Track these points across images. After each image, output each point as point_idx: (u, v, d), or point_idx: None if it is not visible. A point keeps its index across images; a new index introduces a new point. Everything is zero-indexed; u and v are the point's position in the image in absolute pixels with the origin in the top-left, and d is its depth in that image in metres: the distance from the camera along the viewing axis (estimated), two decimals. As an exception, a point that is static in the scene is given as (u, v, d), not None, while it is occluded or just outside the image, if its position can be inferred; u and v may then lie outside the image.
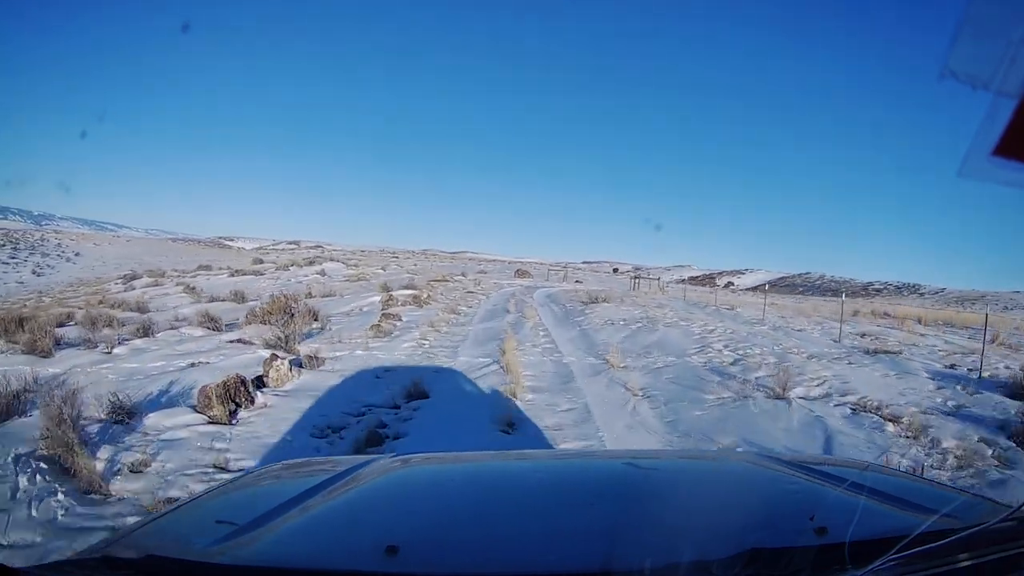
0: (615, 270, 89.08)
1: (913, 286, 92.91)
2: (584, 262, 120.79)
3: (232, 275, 21.37)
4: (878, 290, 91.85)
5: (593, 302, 16.07)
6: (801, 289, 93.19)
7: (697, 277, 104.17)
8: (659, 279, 41.91)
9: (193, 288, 17.06)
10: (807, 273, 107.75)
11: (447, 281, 21.15)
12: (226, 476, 3.47)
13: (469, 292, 18.31)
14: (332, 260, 28.99)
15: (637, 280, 37.02)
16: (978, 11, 0.59)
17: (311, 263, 26.23)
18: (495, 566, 0.91)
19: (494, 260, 69.03)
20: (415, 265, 33.39)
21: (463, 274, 26.61)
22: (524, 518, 1.12)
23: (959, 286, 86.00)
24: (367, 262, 31.82)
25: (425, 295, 14.40)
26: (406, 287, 16.08)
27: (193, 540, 0.99)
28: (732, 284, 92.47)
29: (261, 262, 28.82)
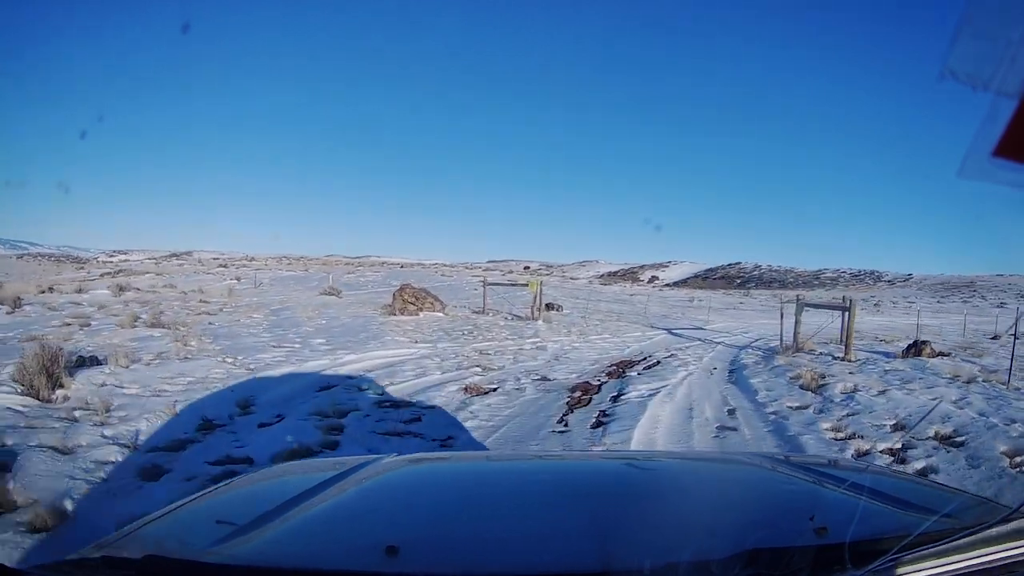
0: (526, 268, 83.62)
1: (873, 273, 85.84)
2: (490, 261, 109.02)
3: None
4: (832, 279, 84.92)
5: None
6: (739, 281, 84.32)
7: (615, 273, 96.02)
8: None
9: None
10: (738, 263, 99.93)
11: None
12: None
13: None
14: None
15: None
16: (978, 11, 0.59)
17: None
18: (495, 566, 0.91)
19: (387, 264, 54.22)
20: (219, 281, 19.19)
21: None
22: (524, 518, 1.12)
23: (924, 271, 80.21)
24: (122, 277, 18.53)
25: None
26: None
27: (193, 540, 0.99)
28: (656, 279, 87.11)
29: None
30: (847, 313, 9.45)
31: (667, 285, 68.29)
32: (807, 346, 9.76)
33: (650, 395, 6.28)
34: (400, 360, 7.96)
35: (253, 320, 11.24)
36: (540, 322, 13.37)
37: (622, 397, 6.21)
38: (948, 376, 7.00)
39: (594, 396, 6.31)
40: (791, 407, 5.72)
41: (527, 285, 15.97)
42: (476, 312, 14.86)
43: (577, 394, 6.36)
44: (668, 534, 0.97)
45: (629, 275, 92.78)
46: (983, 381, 6.64)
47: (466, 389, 6.25)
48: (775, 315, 23.66)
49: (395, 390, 6.17)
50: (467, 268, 54.80)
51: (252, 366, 6.92)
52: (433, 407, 5.47)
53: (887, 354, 9.26)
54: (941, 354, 8.91)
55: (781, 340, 10.34)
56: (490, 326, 12.29)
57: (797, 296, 11.38)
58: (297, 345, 8.62)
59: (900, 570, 0.77)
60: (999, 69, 0.57)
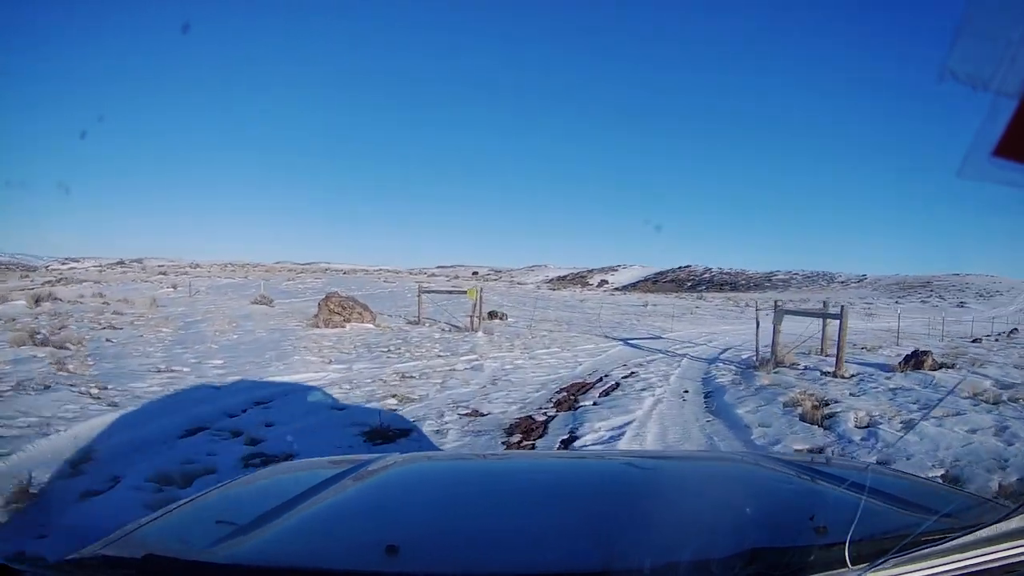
0: (475, 273, 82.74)
1: (826, 274, 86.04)
2: (438, 267, 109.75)
3: None
4: (785, 281, 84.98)
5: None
6: (689, 284, 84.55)
7: (564, 277, 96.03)
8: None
9: None
10: (688, 266, 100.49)
11: None
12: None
13: None
14: None
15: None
16: (978, 11, 0.59)
17: None
18: (495, 566, 0.91)
19: (330, 270, 48.64)
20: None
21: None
22: (524, 518, 1.12)
23: (878, 272, 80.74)
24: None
25: None
26: None
27: (193, 540, 0.99)
28: (606, 283, 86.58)
29: None
30: (837, 321, 8.25)
31: (617, 289, 67.38)
32: (788, 359, 8.65)
33: (612, 436, 4.90)
34: (303, 387, 6.65)
35: (158, 336, 9.85)
36: (480, 334, 11.98)
37: (576, 441, 4.79)
38: (967, 396, 5.86)
39: (538, 440, 4.92)
40: (801, 451, 4.53)
41: (466, 292, 14.28)
42: (411, 323, 13.55)
43: (516, 438, 4.95)
44: (668, 534, 0.97)
45: (578, 279, 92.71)
46: (1009, 400, 5.75)
47: (369, 434, 4.91)
48: (735, 320, 22.55)
49: (278, 435, 4.82)
50: (411, 274, 52.82)
51: (117, 400, 5.60)
52: (316, 464, 4.30)
53: (881, 366, 8.13)
54: (944, 366, 7.96)
55: (757, 352, 9.12)
56: (422, 340, 10.92)
57: (775, 302, 10.24)
58: (187, 369, 7.23)
59: (900, 570, 0.77)
60: (999, 69, 0.58)
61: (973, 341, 14.52)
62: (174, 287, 21.54)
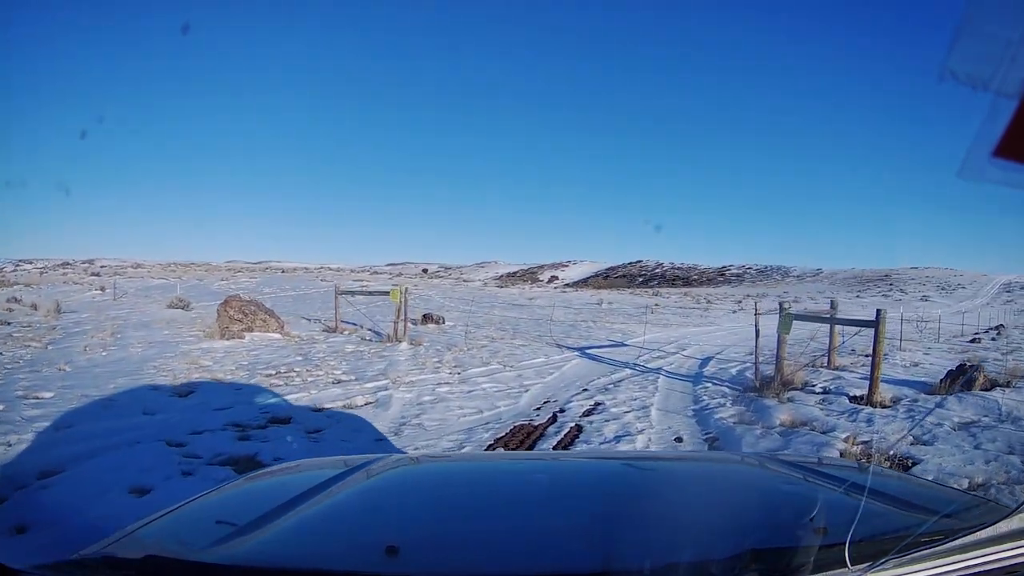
0: (424, 271, 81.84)
1: (780, 268, 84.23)
2: (388, 264, 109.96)
3: None
4: (738, 275, 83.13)
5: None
6: (641, 280, 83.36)
7: (515, 273, 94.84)
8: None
9: None
10: (639, 261, 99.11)
11: None
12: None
13: None
14: None
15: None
16: (978, 11, 0.59)
17: None
18: (495, 566, 0.91)
19: (270, 268, 46.12)
20: None
21: None
22: (524, 518, 1.12)
23: (833, 265, 79.08)
24: None
25: None
26: None
27: (193, 540, 0.99)
28: (556, 279, 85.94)
29: None
30: (865, 330, 6.58)
31: (568, 285, 66.86)
32: (797, 378, 6.89)
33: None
34: (114, 444, 4.29)
35: (18, 354, 8.12)
36: (403, 345, 9.87)
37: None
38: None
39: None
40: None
41: (388, 294, 11.81)
42: (327, 330, 11.65)
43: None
44: (668, 534, 0.97)
45: (528, 276, 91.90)
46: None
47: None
48: (701, 320, 20.80)
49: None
50: (354, 272, 51.20)
51: None
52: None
53: (919, 386, 6.47)
54: (995, 384, 6.22)
55: (757, 371, 7.35)
56: (327, 356, 8.74)
57: (781, 304, 8.10)
58: (1, 407, 5.23)
59: (900, 571, 0.77)
60: (999, 69, 0.58)
61: (971, 341, 14.00)
62: (102, 289, 20.52)
